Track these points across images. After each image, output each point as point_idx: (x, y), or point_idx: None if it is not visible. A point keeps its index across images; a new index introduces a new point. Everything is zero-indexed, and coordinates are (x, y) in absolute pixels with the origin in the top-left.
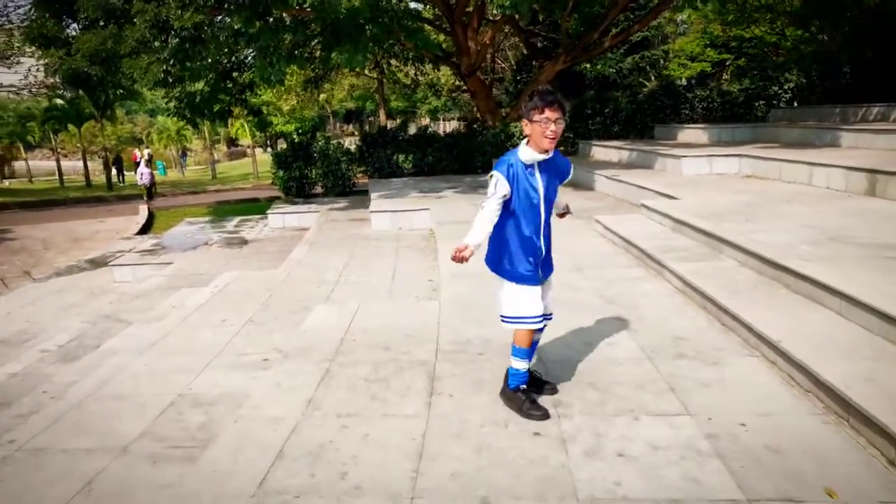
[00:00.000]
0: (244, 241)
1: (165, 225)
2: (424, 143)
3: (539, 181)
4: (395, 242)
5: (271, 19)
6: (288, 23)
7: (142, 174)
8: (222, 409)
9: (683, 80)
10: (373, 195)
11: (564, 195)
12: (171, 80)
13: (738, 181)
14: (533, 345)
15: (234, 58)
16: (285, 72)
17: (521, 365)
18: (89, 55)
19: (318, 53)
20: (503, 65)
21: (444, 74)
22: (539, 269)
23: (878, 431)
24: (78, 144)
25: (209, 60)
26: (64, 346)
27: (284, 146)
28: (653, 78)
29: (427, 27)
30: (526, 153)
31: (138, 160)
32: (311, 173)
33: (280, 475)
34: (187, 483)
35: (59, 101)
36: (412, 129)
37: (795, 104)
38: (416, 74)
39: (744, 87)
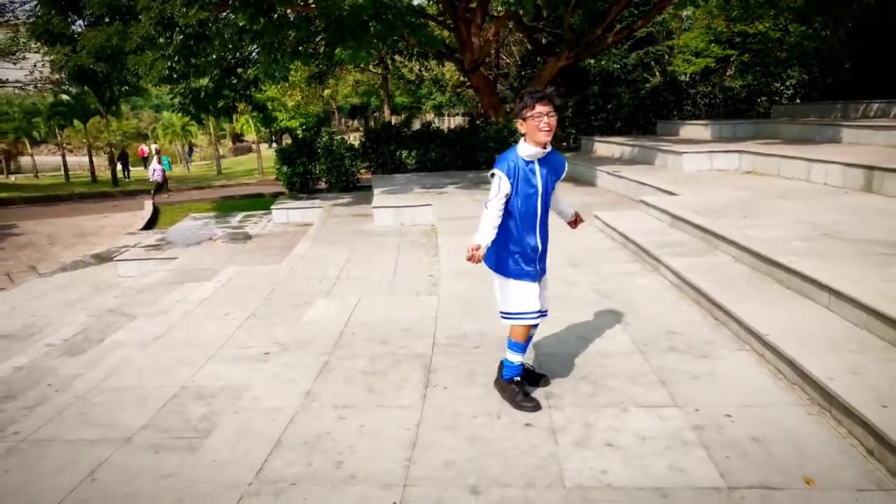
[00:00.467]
0: (248, 237)
1: (170, 220)
2: (428, 139)
3: (538, 177)
4: (398, 238)
5: (275, 16)
6: (292, 19)
7: (154, 170)
8: (223, 400)
9: (687, 76)
10: (376, 191)
11: (567, 192)
12: (175, 76)
13: (738, 177)
14: (528, 339)
15: (238, 54)
16: (289, 68)
17: (517, 358)
18: (94, 52)
19: (322, 49)
20: (508, 60)
21: (449, 70)
22: (537, 265)
23: (858, 422)
24: (83, 140)
25: (214, 57)
26: (69, 339)
27: (289, 142)
28: (657, 74)
29: (431, 23)
30: (525, 149)
31: (145, 155)
32: (315, 169)
33: (277, 464)
34: (187, 472)
35: (64, 97)
36: (416, 125)
37: (798, 100)
38: (420, 70)
39: (746, 84)
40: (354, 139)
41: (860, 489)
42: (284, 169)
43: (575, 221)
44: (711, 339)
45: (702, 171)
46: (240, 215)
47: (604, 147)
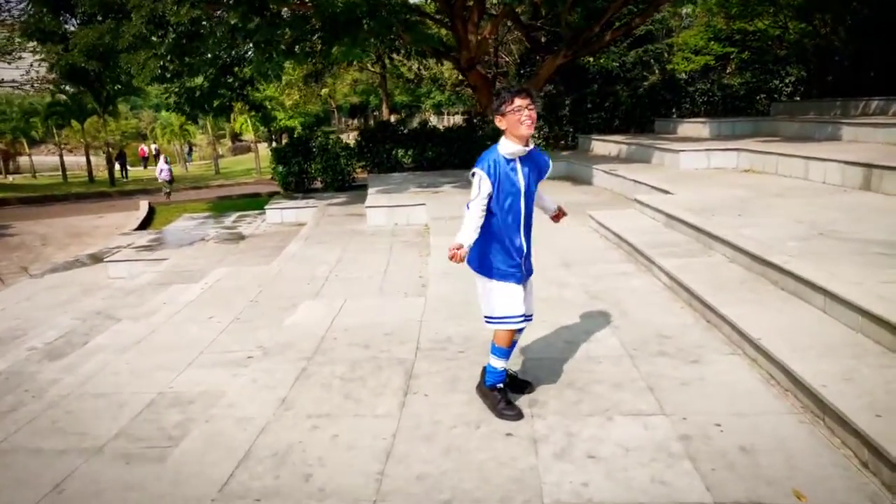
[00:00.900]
0: (241, 237)
1: (165, 220)
2: (424, 137)
3: (520, 175)
4: (391, 238)
5: (268, 14)
6: (286, 17)
7: (161, 170)
8: (199, 407)
9: (686, 74)
10: (370, 190)
11: (563, 191)
12: (168, 75)
13: (736, 175)
14: (512, 344)
15: (234, 53)
16: (283, 67)
17: (500, 364)
18: (86, 50)
19: (318, 48)
20: (507, 59)
21: (448, 69)
22: (522, 266)
23: (852, 432)
24: (81, 140)
25: (209, 56)
26: (52, 343)
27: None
28: (657, 72)
29: (428, 21)
30: (506, 147)
31: (146, 156)
32: (311, 168)
33: (244, 477)
34: (153, 486)
35: (61, 97)
36: (416, 123)
37: (797, 98)
38: (419, 69)
39: (745, 81)
40: (353, 138)
41: None
42: (280, 168)
43: (557, 216)
44: (703, 343)
45: (699, 170)
46: (234, 215)
47: (601, 145)
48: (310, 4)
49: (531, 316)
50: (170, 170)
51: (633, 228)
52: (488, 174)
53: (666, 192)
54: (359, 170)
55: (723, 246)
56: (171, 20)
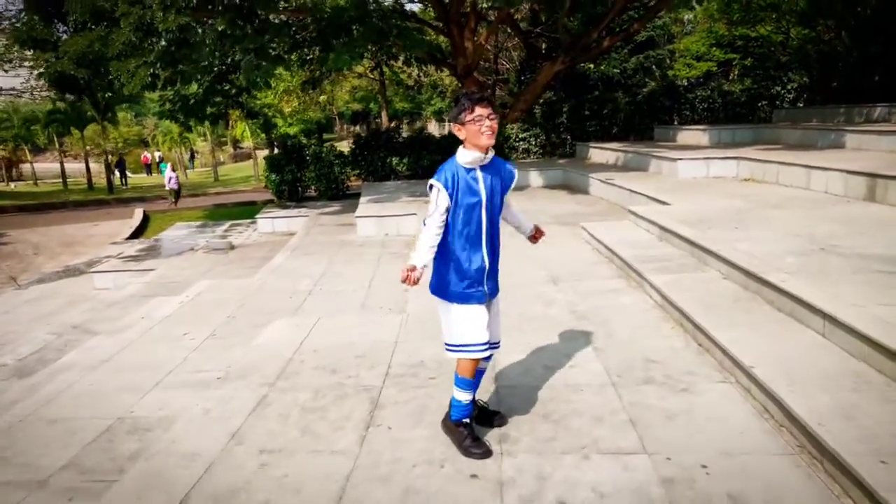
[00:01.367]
0: (231, 247)
1: (159, 229)
2: (419, 145)
3: (481, 185)
4: (380, 249)
5: (257, 21)
6: (276, 24)
7: (170, 178)
8: (156, 435)
9: (686, 80)
10: (362, 199)
11: (559, 201)
12: (158, 83)
13: (735, 185)
14: (478, 374)
15: (229, 60)
16: (272, 74)
17: (465, 397)
18: (76, 57)
19: (312, 55)
20: (508, 66)
21: (448, 75)
22: (484, 286)
23: (854, 481)
24: (82, 147)
25: (204, 63)
26: (24, 359)
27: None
28: (658, 78)
29: (424, 28)
30: (465, 156)
31: (149, 162)
32: (304, 176)
33: None
34: None
35: (61, 105)
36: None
37: (801, 104)
38: (419, 76)
39: (746, 88)
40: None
41: None
42: (273, 177)
43: (535, 237)
44: (693, 369)
45: (697, 179)
46: (226, 224)
47: (599, 153)
48: (298, 11)
49: (498, 343)
50: (177, 178)
51: (625, 241)
52: (446, 186)
53: (662, 202)
54: (353, 178)
55: (717, 261)
56: (160, 27)
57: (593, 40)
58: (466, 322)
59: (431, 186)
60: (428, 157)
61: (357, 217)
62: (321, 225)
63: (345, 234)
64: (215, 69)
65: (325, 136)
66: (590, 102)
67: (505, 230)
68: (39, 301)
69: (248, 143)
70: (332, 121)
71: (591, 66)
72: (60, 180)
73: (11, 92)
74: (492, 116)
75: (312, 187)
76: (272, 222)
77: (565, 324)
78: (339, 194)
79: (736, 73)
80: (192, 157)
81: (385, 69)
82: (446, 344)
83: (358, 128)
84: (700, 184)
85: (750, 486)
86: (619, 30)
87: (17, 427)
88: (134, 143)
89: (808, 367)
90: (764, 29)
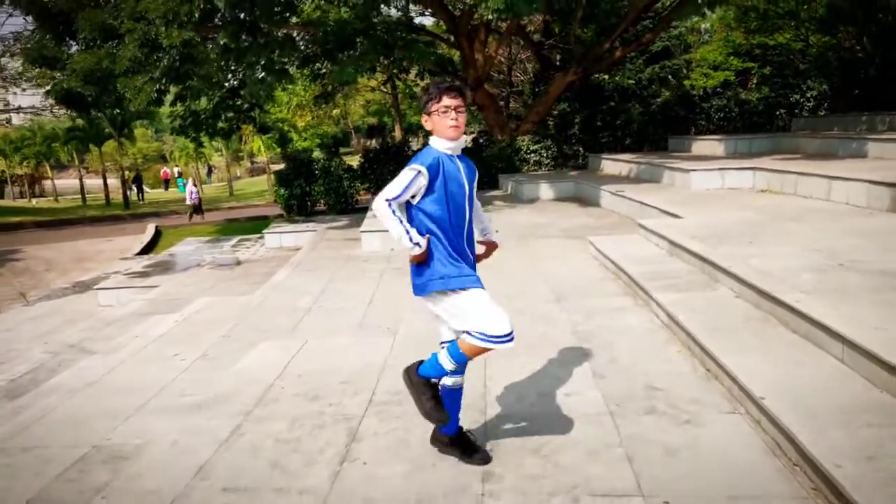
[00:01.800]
0: (237, 262)
1: (170, 244)
2: None
3: (464, 175)
4: (384, 264)
5: (260, 35)
6: (280, 38)
7: (191, 193)
8: (128, 466)
9: (701, 90)
10: (369, 213)
11: (569, 214)
12: (165, 98)
13: (751, 196)
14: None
15: (242, 75)
16: (276, 88)
17: (450, 367)
18: (84, 75)
19: (326, 69)
20: (522, 78)
21: None
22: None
23: None
24: (103, 164)
25: (212, 79)
26: (16, 380)
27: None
28: (674, 88)
29: (434, 40)
30: (441, 143)
31: (168, 178)
32: (313, 191)
33: None
34: None
35: (79, 122)
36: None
37: (821, 112)
38: None
39: (763, 96)
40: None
41: None
42: (281, 191)
43: (484, 254)
44: (698, 398)
45: (711, 190)
46: (234, 239)
47: (612, 165)
48: (306, 25)
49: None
50: (198, 193)
51: (633, 257)
52: (430, 171)
53: (673, 215)
54: (362, 192)
55: (728, 278)
56: (164, 43)
57: (605, 51)
58: (480, 308)
59: (412, 169)
60: None
61: (362, 232)
62: (328, 240)
63: (350, 249)
64: (226, 84)
65: (342, 149)
66: (602, 113)
67: (514, 248)
68: (43, 318)
69: (261, 158)
70: (348, 135)
71: (606, 77)
72: (80, 196)
73: (30, 110)
74: (460, 108)
75: (322, 201)
76: (280, 237)
77: (566, 346)
78: (348, 208)
79: (754, 81)
80: (210, 172)
81: (398, 83)
82: (464, 331)
83: (373, 142)
84: (714, 195)
85: None
86: (632, 40)
87: None
88: (153, 159)
89: (824, 397)
90: (782, 37)
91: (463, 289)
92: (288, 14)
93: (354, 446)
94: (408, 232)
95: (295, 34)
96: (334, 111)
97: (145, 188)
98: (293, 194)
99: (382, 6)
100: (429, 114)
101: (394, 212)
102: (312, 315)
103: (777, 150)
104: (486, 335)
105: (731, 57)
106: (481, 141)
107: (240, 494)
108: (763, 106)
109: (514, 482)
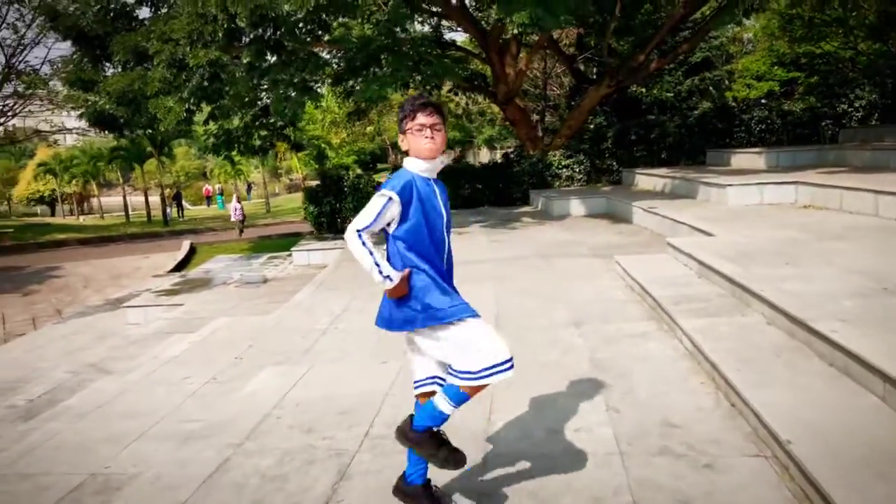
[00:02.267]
0: (264, 280)
1: (202, 261)
2: (458, 174)
3: (440, 200)
4: None
5: (283, 54)
6: (304, 56)
7: (235, 209)
8: (116, 500)
9: (740, 101)
10: None
11: (599, 230)
12: (194, 118)
13: (793, 212)
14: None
15: (273, 94)
16: (303, 105)
17: (448, 410)
18: (117, 96)
19: (356, 87)
20: (558, 92)
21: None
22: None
23: None
24: (145, 181)
25: (246, 99)
26: (34, 400)
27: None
28: (715, 99)
29: (466, 56)
30: (417, 164)
31: (210, 195)
32: (343, 208)
33: None
34: None
35: (122, 142)
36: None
37: (872, 122)
38: (466, 104)
39: (808, 106)
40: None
41: None
42: (311, 209)
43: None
44: (720, 438)
45: (749, 206)
46: (264, 257)
47: (646, 179)
48: (333, 43)
49: (436, 377)
50: (242, 209)
51: (660, 278)
52: (402, 197)
53: (706, 233)
54: None
55: (760, 304)
56: (191, 63)
57: (641, 63)
58: (478, 340)
59: (381, 195)
60: (467, 186)
61: None
62: (353, 259)
63: None
64: (258, 103)
65: (379, 165)
66: (636, 127)
67: (538, 268)
68: (73, 336)
69: (296, 175)
70: (385, 150)
71: (644, 90)
72: (124, 213)
73: (77, 130)
74: (437, 127)
75: (350, 218)
76: (308, 255)
77: (580, 375)
78: None
79: (801, 91)
80: (249, 189)
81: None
82: (464, 374)
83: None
84: (751, 212)
85: None
86: (668, 51)
87: None
88: (195, 177)
89: (861, 444)
90: (829, 45)
91: (460, 320)
92: (320, 32)
93: (342, 485)
94: (377, 264)
95: (324, 52)
96: (368, 128)
97: (186, 205)
98: (322, 211)
99: (409, 22)
100: (404, 132)
101: (363, 243)
102: (327, 336)
103: (822, 164)
104: (485, 368)
105: (776, 67)
106: (511, 156)
107: None
108: (808, 117)
109: None
